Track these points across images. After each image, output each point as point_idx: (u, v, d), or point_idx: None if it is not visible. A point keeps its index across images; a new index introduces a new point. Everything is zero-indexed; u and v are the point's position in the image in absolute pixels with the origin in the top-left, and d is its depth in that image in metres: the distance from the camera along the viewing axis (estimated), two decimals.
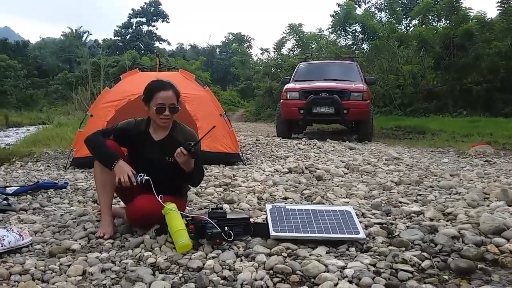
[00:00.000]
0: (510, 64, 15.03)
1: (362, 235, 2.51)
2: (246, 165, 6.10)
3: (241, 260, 2.27)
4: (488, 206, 3.34)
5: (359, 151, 7.79)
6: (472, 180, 4.56)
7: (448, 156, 7.14)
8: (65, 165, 6.07)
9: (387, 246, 2.47)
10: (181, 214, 2.51)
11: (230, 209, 3.37)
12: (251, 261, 2.25)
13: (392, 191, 4.07)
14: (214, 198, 3.84)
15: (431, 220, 3.07)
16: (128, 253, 2.39)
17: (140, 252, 2.39)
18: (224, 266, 2.18)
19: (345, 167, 5.52)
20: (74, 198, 3.91)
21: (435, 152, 7.76)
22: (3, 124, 18.96)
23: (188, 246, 2.35)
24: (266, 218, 2.67)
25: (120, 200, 3.17)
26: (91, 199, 3.87)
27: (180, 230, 2.38)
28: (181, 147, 2.67)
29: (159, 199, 2.54)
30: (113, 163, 2.65)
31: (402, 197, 3.80)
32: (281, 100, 10.30)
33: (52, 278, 2.08)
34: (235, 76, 32.85)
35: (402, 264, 2.22)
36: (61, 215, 3.26)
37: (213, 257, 2.29)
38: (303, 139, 9.63)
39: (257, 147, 7.97)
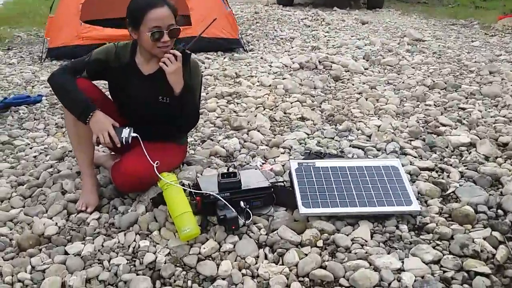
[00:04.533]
0: None
1: (415, 206, 1.97)
2: (247, 51, 5.33)
3: (266, 257, 1.75)
4: None
5: (373, 26, 6.92)
6: None
7: (475, 34, 6.30)
8: (41, 55, 5.26)
9: (448, 221, 1.94)
10: (183, 189, 1.93)
11: (239, 142, 2.77)
12: (279, 259, 1.74)
13: (427, 102, 3.44)
14: (218, 118, 3.21)
15: (487, 158, 2.53)
16: (120, 243, 1.85)
17: (135, 240, 1.86)
18: (245, 272, 1.68)
19: (364, 58, 4.78)
20: (50, 120, 3.26)
21: (458, 27, 6.89)
22: None
23: (195, 234, 1.82)
24: (290, 177, 2.11)
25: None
26: None
27: (183, 214, 1.82)
28: (173, 50, 2.05)
29: (155, 169, 1.93)
30: (88, 116, 1.98)
31: (441, 114, 3.19)
32: None
33: None
34: None
35: (473, 259, 1.71)
36: (35, 157, 2.67)
37: (229, 251, 1.77)
38: (307, 8, 8.61)
39: (258, 24, 7.04)
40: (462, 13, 7.93)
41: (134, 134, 2.01)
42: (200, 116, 3.23)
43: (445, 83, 3.82)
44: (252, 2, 9.87)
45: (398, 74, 4.24)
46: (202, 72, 4.37)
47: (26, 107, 3.54)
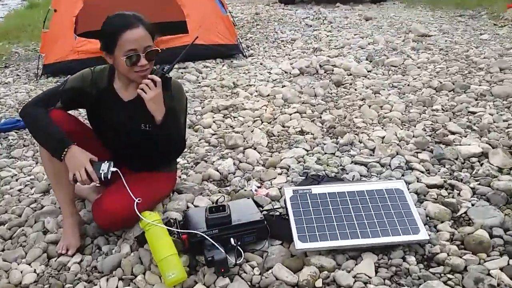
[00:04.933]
0: None
1: (423, 234, 1.80)
2: (246, 57, 5.17)
3: None
4: None
5: (377, 22, 6.70)
6: None
7: (483, 26, 6.05)
8: (36, 72, 5.15)
9: (460, 250, 1.76)
10: (168, 229, 1.77)
11: (234, 163, 2.62)
12: None
13: (434, 107, 3.24)
14: (213, 136, 3.06)
15: (501, 170, 2.34)
16: None
17: (117, 287, 1.72)
18: None
19: (367, 59, 4.59)
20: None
21: (465, 18, 6.63)
22: None
23: (181, 279, 1.67)
24: (285, 204, 1.94)
25: None
26: None
27: (168, 257, 1.66)
28: (151, 75, 1.89)
29: (135, 208, 1.78)
30: (63, 152, 1.83)
31: (450, 120, 3.00)
32: None
33: None
34: None
35: None
36: (20, 190, 2.53)
37: None
38: (309, 6, 8.42)
39: (258, 27, 6.85)
40: (469, 1, 7.64)
41: (114, 169, 1.85)
42: (195, 133, 3.10)
43: (453, 84, 3.61)
44: (253, 2, 9.68)
45: (403, 76, 4.04)
46: (199, 83, 4.24)
47: (16, 132, 3.42)
